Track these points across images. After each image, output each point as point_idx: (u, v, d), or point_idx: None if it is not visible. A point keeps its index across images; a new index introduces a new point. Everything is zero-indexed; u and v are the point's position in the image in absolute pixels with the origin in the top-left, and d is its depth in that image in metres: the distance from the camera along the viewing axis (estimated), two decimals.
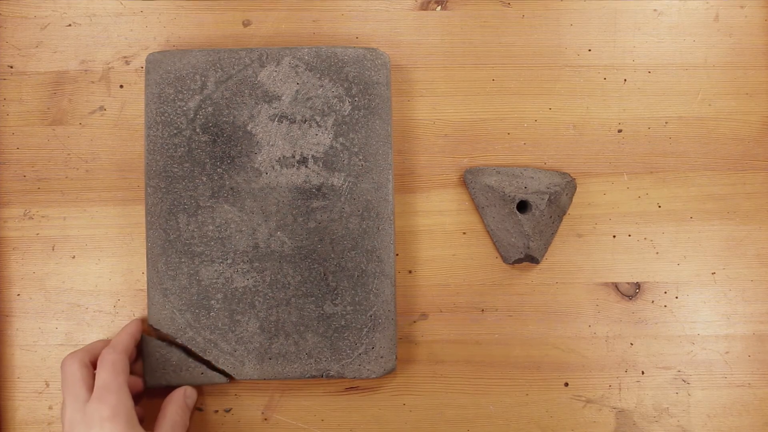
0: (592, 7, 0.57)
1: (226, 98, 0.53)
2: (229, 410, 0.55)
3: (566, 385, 0.56)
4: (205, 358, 0.52)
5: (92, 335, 0.56)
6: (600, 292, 0.56)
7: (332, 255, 0.53)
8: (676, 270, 0.56)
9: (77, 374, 0.47)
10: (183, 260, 0.53)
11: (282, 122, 0.53)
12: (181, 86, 0.53)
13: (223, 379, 0.52)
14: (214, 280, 0.53)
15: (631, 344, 0.56)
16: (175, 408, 0.50)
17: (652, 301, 0.56)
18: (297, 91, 0.54)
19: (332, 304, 0.53)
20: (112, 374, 0.47)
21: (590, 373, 0.56)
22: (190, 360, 0.52)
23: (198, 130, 0.53)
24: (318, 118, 0.53)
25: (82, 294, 0.56)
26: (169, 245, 0.53)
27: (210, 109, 0.53)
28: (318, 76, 0.54)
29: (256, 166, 0.53)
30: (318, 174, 0.53)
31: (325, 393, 0.56)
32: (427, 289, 0.56)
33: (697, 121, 0.57)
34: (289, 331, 0.53)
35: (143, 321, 0.54)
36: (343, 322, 0.53)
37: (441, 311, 0.56)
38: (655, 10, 0.57)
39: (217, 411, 0.55)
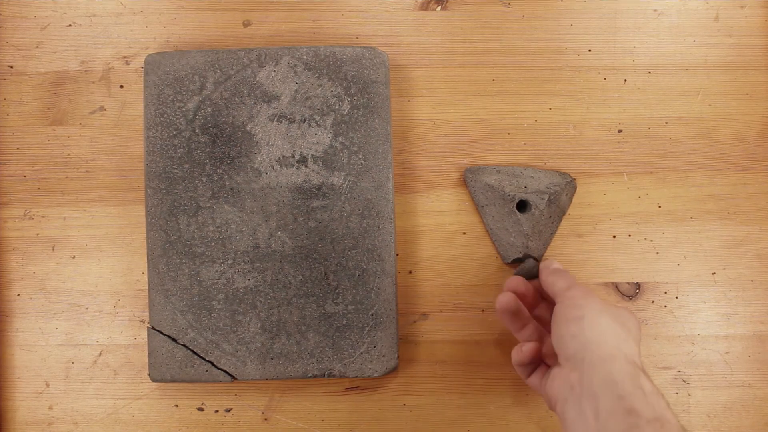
0: (592, 7, 0.57)
1: (225, 99, 0.53)
2: (229, 410, 0.55)
3: None
4: (207, 359, 0.52)
5: (92, 335, 0.56)
6: (600, 292, 0.56)
7: (333, 254, 0.53)
8: (676, 270, 0.56)
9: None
10: (184, 261, 0.53)
11: (281, 122, 0.53)
12: (180, 87, 0.53)
13: (226, 377, 0.52)
14: (215, 281, 0.53)
15: None
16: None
17: (652, 302, 0.56)
18: (296, 90, 0.54)
19: (333, 304, 0.53)
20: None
21: None
22: (196, 357, 0.52)
23: (197, 130, 0.53)
24: (317, 118, 0.53)
25: (82, 294, 0.56)
26: (170, 246, 0.53)
27: (209, 109, 0.53)
28: (317, 75, 0.54)
29: (256, 166, 0.53)
30: (318, 173, 0.53)
31: (326, 393, 0.56)
32: (427, 289, 0.56)
33: (697, 121, 0.57)
34: (291, 330, 0.53)
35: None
36: (344, 321, 0.53)
37: (441, 311, 0.56)
38: (655, 10, 0.57)
39: (217, 411, 0.56)
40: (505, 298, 0.50)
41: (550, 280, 0.48)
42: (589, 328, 0.42)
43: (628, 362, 0.40)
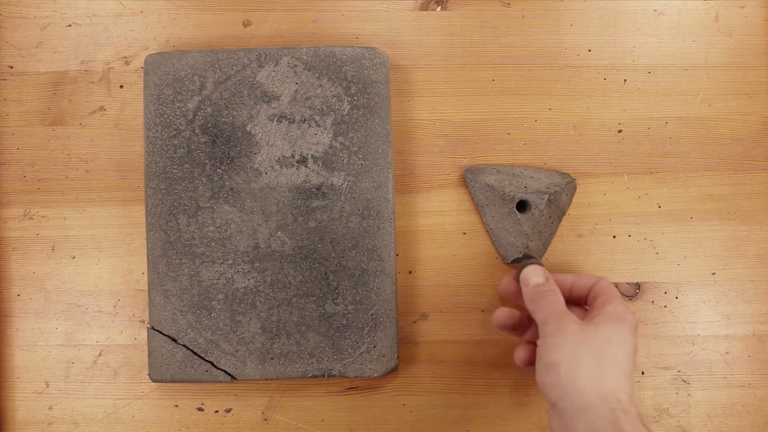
0: (592, 7, 0.57)
1: (225, 99, 0.53)
2: (229, 410, 0.55)
3: None
4: (207, 359, 0.52)
5: (92, 335, 0.56)
6: None
7: (333, 254, 0.53)
8: (676, 270, 0.56)
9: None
10: (184, 261, 0.53)
11: (281, 122, 0.53)
12: (180, 87, 0.53)
13: (226, 377, 0.52)
14: (215, 281, 0.53)
15: None
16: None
17: (652, 302, 0.56)
18: (296, 90, 0.54)
19: (333, 304, 0.53)
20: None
21: None
22: (196, 357, 0.52)
23: (197, 131, 0.53)
24: (317, 118, 0.53)
25: (82, 294, 0.56)
26: (170, 246, 0.53)
27: (209, 109, 0.53)
28: (317, 75, 0.54)
29: (256, 166, 0.53)
30: (318, 173, 0.53)
31: (326, 393, 0.56)
32: (427, 290, 0.56)
33: (697, 122, 0.57)
34: (291, 330, 0.53)
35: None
36: (344, 322, 0.53)
37: (441, 311, 0.56)
38: (655, 10, 0.57)
39: (217, 411, 0.56)
40: (502, 316, 0.50)
41: (530, 309, 0.48)
42: (566, 375, 0.42)
43: (607, 407, 0.41)
